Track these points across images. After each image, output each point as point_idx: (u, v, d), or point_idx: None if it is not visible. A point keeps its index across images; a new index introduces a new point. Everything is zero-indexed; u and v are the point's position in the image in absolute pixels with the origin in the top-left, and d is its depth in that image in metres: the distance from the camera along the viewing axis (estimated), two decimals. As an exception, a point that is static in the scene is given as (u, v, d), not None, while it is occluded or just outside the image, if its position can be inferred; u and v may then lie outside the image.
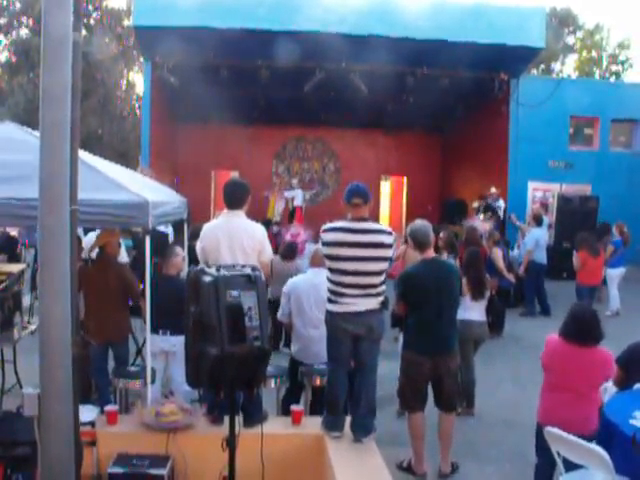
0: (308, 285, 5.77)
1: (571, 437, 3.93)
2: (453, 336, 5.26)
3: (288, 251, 8.82)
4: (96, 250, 6.17)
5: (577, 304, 4.70)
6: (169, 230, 9.31)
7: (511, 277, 10.29)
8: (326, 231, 4.63)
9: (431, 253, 5.25)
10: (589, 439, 4.02)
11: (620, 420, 4.06)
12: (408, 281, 5.23)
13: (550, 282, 12.58)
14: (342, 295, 4.51)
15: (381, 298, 4.59)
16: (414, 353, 5.17)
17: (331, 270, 4.58)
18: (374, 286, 4.53)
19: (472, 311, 6.60)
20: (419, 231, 5.23)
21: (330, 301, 4.60)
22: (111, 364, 6.12)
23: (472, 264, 6.82)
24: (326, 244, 4.59)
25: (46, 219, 2.96)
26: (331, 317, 4.60)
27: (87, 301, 5.84)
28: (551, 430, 4.04)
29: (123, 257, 7.59)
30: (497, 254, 10.02)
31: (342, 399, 4.70)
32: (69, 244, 3.06)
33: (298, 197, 17.74)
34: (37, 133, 3.11)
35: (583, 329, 4.42)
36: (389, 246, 4.59)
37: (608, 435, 4.05)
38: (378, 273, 4.54)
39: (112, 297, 5.93)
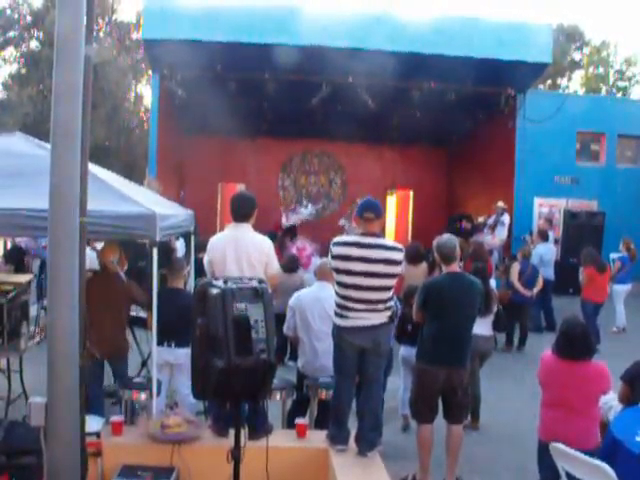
0: (313, 299, 5.75)
1: (577, 453, 3.91)
2: (468, 350, 5.26)
3: (290, 264, 8.82)
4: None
5: (567, 320, 4.66)
6: (179, 243, 9.33)
7: (527, 292, 10.33)
8: (336, 244, 4.64)
9: (456, 267, 5.26)
10: (588, 455, 3.99)
11: (625, 437, 4.04)
12: (431, 291, 5.20)
13: (556, 297, 12.54)
14: (349, 309, 4.51)
15: (389, 313, 4.60)
16: (429, 364, 5.13)
17: (339, 284, 4.59)
18: (382, 302, 4.54)
19: (478, 326, 6.56)
20: (445, 245, 5.22)
21: (337, 315, 4.60)
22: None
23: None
24: (335, 257, 4.60)
25: (56, 230, 2.99)
26: (338, 331, 4.60)
27: (89, 313, 5.74)
28: (556, 446, 4.03)
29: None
30: (514, 269, 10.23)
31: (348, 412, 4.69)
32: (78, 255, 3.09)
33: None
34: (46, 144, 3.16)
35: (574, 344, 4.42)
36: (398, 263, 4.60)
37: (612, 451, 4.03)
38: (386, 289, 4.55)
39: (114, 311, 5.89)
